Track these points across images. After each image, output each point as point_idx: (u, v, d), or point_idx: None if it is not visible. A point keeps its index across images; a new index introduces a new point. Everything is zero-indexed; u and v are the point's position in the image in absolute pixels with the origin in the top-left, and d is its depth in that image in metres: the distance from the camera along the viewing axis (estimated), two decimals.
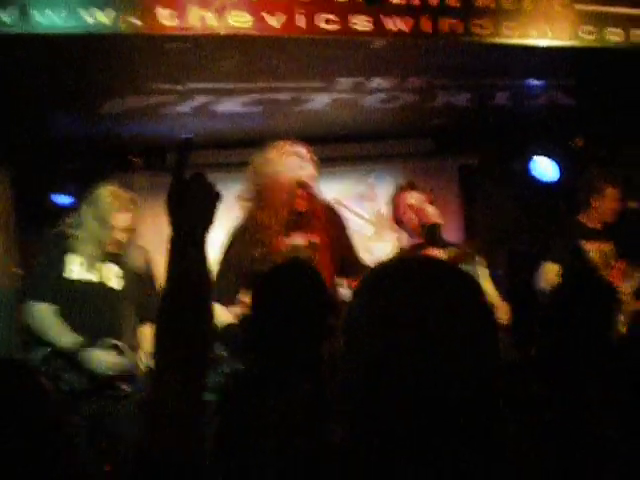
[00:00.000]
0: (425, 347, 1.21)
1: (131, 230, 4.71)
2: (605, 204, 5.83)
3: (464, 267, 4.66)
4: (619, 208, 5.89)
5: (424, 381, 1.20)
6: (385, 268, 1.37)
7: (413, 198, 4.82)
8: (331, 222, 4.25)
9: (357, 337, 1.28)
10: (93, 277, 4.65)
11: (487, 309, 1.31)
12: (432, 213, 4.68)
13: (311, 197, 4.13)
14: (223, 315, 4.02)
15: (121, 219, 4.64)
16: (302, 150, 4.24)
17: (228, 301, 4.01)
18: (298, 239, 4.14)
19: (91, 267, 4.63)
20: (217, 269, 4.17)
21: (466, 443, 1.21)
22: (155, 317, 4.24)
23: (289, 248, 4.09)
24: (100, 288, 4.66)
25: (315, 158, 4.27)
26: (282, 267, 3.19)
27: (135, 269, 4.76)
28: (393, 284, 1.28)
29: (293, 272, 2.86)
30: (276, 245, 4.06)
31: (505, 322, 4.69)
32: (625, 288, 5.54)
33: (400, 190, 4.96)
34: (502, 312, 4.76)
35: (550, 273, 5.67)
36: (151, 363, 4.53)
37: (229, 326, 3.92)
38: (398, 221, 4.93)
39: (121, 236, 4.66)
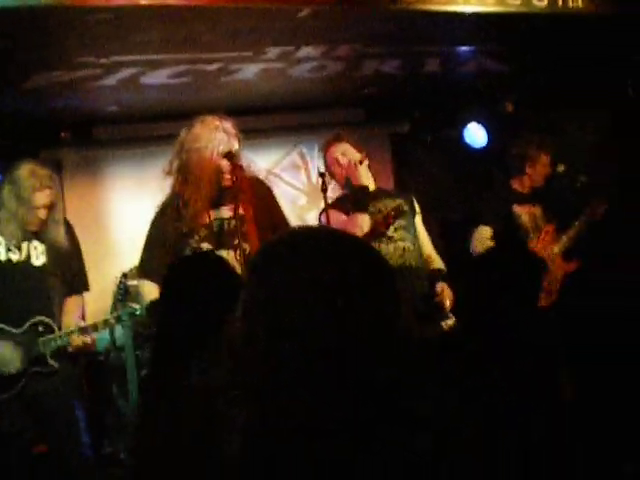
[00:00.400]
0: (326, 322, 1.20)
1: (52, 206, 4.67)
2: (538, 171, 5.93)
3: (400, 221, 4.68)
4: (550, 173, 6.00)
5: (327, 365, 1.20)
6: (275, 245, 1.35)
7: (339, 151, 4.82)
8: (259, 194, 4.23)
9: (255, 315, 1.27)
10: (16, 257, 4.64)
11: (391, 284, 1.30)
12: (361, 174, 4.67)
13: (237, 171, 4.08)
14: (152, 292, 4.04)
15: (41, 197, 4.59)
16: (228, 125, 4.22)
17: (157, 277, 3.96)
18: (224, 212, 4.16)
19: (14, 247, 4.63)
20: (143, 244, 4.24)
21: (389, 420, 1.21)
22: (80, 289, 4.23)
23: (215, 221, 4.12)
24: (24, 267, 4.66)
25: (239, 135, 4.26)
26: (189, 258, 3.22)
27: (58, 244, 4.73)
28: (285, 261, 1.27)
29: (199, 263, 2.85)
30: (202, 219, 4.09)
31: (448, 307, 4.66)
32: (554, 250, 5.67)
33: (327, 144, 4.95)
34: (446, 298, 4.71)
35: (484, 236, 5.74)
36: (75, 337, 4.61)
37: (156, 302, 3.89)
38: (329, 173, 4.90)
39: (42, 214, 4.63)
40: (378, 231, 4.52)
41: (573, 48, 5.87)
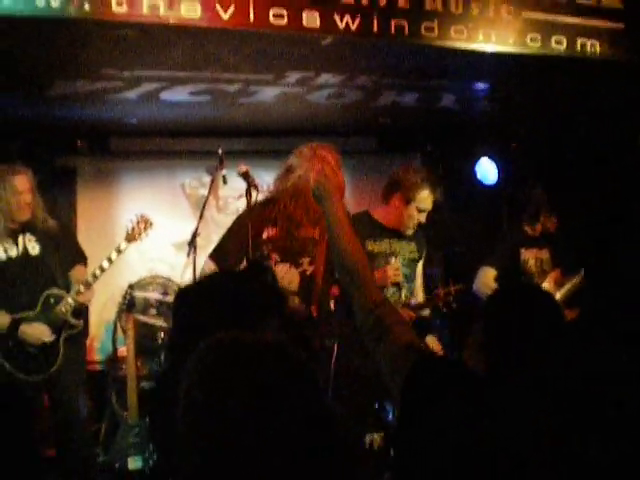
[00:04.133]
0: None
1: (32, 191, 5.07)
2: (552, 220, 5.95)
3: (405, 269, 4.83)
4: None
5: None
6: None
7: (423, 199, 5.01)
8: None
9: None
10: (14, 253, 5.07)
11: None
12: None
13: None
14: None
15: (22, 181, 5.00)
16: (335, 157, 4.30)
17: (223, 264, 4.29)
18: (304, 232, 4.35)
19: (11, 244, 5.05)
20: (225, 232, 4.48)
21: None
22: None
23: (291, 237, 4.31)
24: (24, 259, 5.10)
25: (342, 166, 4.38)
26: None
27: (47, 229, 5.19)
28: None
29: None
30: (289, 234, 4.31)
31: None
32: (558, 296, 5.62)
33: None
34: (433, 344, 5.04)
35: (488, 277, 5.79)
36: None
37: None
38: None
39: (27, 198, 5.02)
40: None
41: (588, 94, 5.94)
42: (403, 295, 4.93)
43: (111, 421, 6.01)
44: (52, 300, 5.09)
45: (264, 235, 4.29)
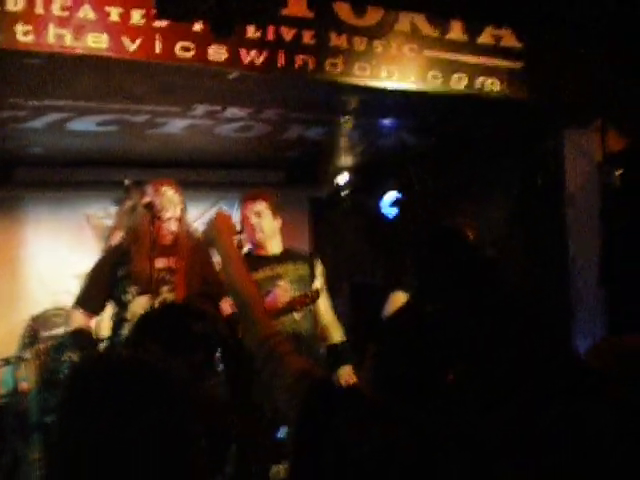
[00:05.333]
0: None
1: None
2: None
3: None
4: None
5: None
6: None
7: (253, 210, 4.97)
8: (193, 250, 4.57)
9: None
10: None
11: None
12: (263, 241, 4.98)
13: (178, 233, 4.55)
14: (80, 320, 4.42)
15: None
16: (173, 192, 4.52)
17: (88, 309, 4.46)
18: (160, 264, 4.47)
19: None
20: (85, 279, 4.59)
21: None
22: None
23: (153, 270, 4.40)
24: None
25: (184, 202, 4.58)
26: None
27: None
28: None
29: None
30: (139, 268, 4.40)
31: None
32: None
33: (245, 199, 5.07)
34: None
35: (398, 302, 5.85)
36: None
37: (80, 330, 4.37)
38: (241, 228, 5.07)
39: None
40: (292, 307, 4.71)
41: (487, 131, 6.12)
42: (298, 316, 4.91)
43: (12, 456, 5.87)
44: None
45: (120, 272, 4.43)
